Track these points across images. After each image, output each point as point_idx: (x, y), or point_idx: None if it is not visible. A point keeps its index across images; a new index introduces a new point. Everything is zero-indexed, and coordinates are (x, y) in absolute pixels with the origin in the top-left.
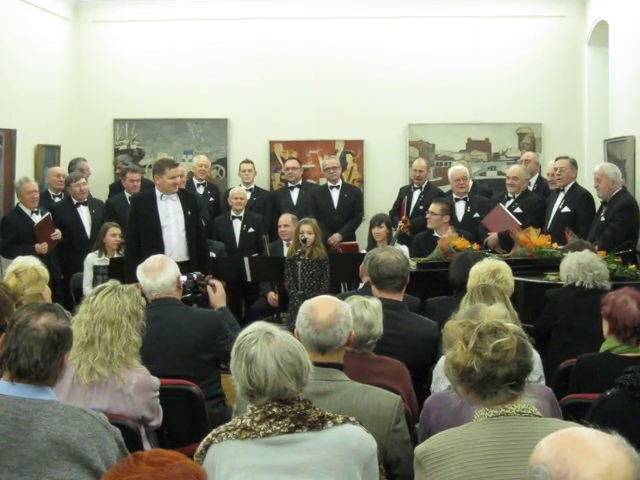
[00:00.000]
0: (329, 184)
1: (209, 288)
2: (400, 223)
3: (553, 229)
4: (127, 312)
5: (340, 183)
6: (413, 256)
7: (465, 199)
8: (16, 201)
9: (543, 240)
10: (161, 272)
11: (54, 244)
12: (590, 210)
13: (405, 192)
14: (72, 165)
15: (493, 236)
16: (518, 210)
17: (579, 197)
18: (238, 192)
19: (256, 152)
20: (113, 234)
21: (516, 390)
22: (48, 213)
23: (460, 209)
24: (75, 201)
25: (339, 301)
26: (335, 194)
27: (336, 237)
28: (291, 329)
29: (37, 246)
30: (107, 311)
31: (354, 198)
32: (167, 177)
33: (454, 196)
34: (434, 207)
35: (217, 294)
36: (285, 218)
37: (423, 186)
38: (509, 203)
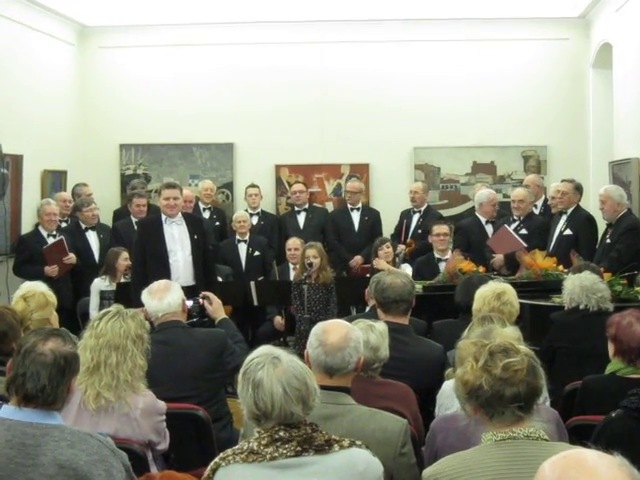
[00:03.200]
0: (349, 206)
1: (205, 302)
2: (403, 246)
3: (555, 251)
4: (132, 336)
5: (360, 205)
6: (414, 280)
7: (492, 222)
8: (24, 225)
9: (549, 263)
10: (167, 292)
11: (66, 268)
12: (592, 233)
13: (405, 216)
14: (73, 190)
15: (499, 257)
16: (524, 232)
17: (581, 220)
18: (241, 216)
19: (262, 176)
20: (125, 258)
21: (524, 412)
22: (61, 237)
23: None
24: (84, 226)
25: (352, 326)
26: (356, 216)
27: (358, 259)
28: (298, 353)
29: (47, 268)
30: (112, 336)
31: (374, 220)
32: (162, 198)
33: (482, 220)
34: (442, 229)
35: (214, 306)
36: (294, 242)
37: (422, 209)
38: (514, 225)
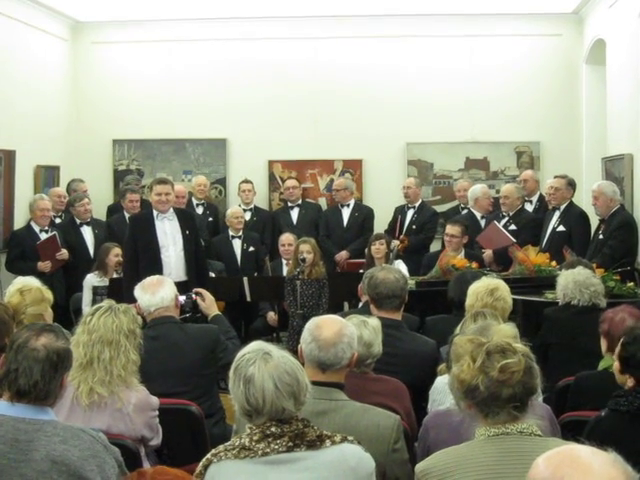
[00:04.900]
0: (339, 203)
1: (198, 298)
2: (397, 242)
3: (548, 248)
4: (124, 331)
5: (352, 202)
6: (422, 275)
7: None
8: (16, 221)
9: (542, 258)
10: (160, 287)
11: (59, 264)
12: (585, 229)
13: (399, 212)
14: (68, 186)
15: (488, 253)
16: (513, 227)
17: (575, 216)
18: (237, 211)
19: (255, 172)
20: (116, 254)
21: (519, 411)
22: (54, 232)
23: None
24: (78, 221)
25: (346, 322)
26: (346, 212)
27: (343, 255)
28: (291, 349)
29: (40, 264)
30: (104, 331)
31: (364, 217)
32: (154, 194)
33: (477, 214)
34: (454, 230)
35: (207, 302)
36: (287, 237)
37: (416, 205)
38: (504, 221)
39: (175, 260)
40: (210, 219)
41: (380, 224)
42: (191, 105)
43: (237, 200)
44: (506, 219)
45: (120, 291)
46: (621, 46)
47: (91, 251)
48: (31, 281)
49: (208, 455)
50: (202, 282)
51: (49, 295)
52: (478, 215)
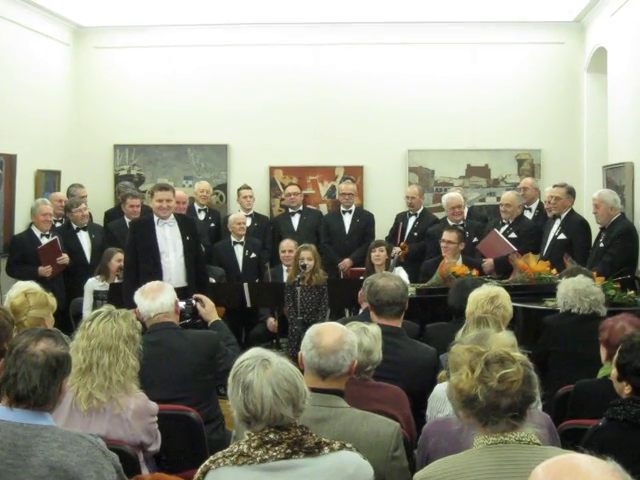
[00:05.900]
0: (342, 208)
1: (197, 304)
2: (397, 249)
3: (549, 256)
4: (124, 337)
5: (353, 208)
6: (420, 282)
7: (462, 225)
8: (17, 225)
9: (542, 266)
10: (160, 293)
11: (60, 268)
12: (586, 238)
13: (401, 218)
14: (68, 191)
15: (489, 261)
16: (513, 235)
17: (575, 224)
18: (240, 217)
19: (256, 178)
20: (119, 259)
21: (517, 420)
22: (55, 237)
23: None
24: (75, 226)
25: (346, 329)
26: (347, 219)
27: (346, 262)
28: (290, 355)
29: (40, 269)
30: (104, 337)
31: (365, 223)
32: (155, 200)
33: (450, 223)
34: (450, 236)
35: (207, 308)
36: (288, 243)
37: (418, 212)
38: (504, 229)
39: (175, 266)
40: (212, 225)
41: (381, 231)
42: (192, 111)
43: (237, 206)
44: (506, 227)
45: (120, 296)
46: (622, 54)
47: (88, 256)
48: (34, 286)
49: (206, 462)
50: (202, 288)
51: (53, 302)
52: (451, 224)
